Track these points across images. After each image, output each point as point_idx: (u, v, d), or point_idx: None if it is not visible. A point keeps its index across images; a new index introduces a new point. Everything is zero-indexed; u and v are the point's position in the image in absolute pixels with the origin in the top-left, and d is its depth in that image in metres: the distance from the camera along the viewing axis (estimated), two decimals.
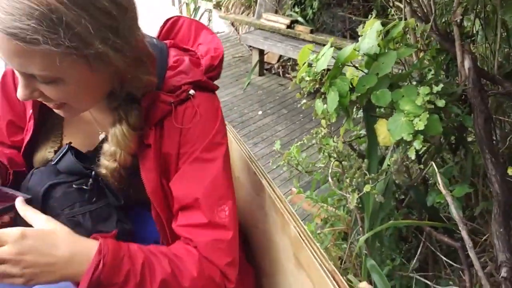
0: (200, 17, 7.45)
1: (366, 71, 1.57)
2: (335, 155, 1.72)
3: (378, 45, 1.51)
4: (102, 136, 0.97)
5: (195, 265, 0.84)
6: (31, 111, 1.00)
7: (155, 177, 0.89)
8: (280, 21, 5.13)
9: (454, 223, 1.43)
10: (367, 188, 1.41)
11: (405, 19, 1.80)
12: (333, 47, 1.51)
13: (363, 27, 2.87)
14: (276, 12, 5.63)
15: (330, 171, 1.64)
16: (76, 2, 0.66)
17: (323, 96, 1.58)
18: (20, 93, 0.77)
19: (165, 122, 0.90)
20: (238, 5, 6.85)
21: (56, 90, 0.76)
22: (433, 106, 1.37)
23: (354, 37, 4.80)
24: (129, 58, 0.78)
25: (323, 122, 1.65)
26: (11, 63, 0.72)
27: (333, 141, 1.62)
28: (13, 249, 0.66)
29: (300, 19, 5.19)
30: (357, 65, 1.64)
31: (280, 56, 5.40)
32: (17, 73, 0.76)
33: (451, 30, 1.66)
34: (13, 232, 0.68)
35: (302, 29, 4.97)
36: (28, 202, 0.83)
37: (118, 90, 0.86)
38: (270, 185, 1.06)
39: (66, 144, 0.93)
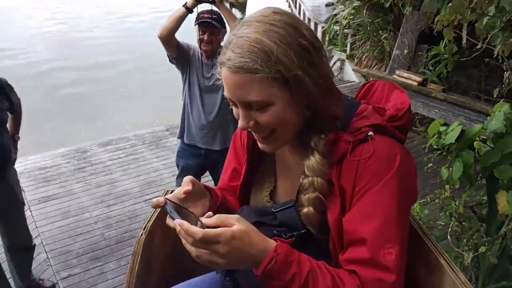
0: (332, 66, 7.84)
1: (492, 145, 1.77)
2: (456, 216, 1.91)
3: (505, 125, 1.71)
4: (300, 181, 1.02)
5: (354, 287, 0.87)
6: (245, 157, 1.15)
7: (337, 210, 0.94)
8: (413, 78, 5.30)
9: None
10: (482, 249, 1.59)
11: None
12: (461, 125, 1.72)
13: (499, 91, 2.99)
14: (409, 68, 5.80)
15: (450, 229, 1.84)
16: (284, 41, 0.87)
17: (447, 163, 1.80)
18: (240, 123, 0.94)
19: (344, 160, 0.95)
20: (371, 57, 7.12)
21: (267, 115, 0.91)
22: None
23: (488, 99, 4.78)
24: (319, 85, 0.92)
25: (446, 186, 1.86)
26: (235, 95, 0.91)
27: (455, 204, 1.82)
28: (225, 247, 0.81)
29: (433, 77, 5.31)
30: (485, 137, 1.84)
31: None
32: (236, 110, 0.95)
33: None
34: (225, 233, 0.81)
35: (434, 87, 5.09)
36: None
37: (310, 120, 0.96)
38: (451, 267, 0.98)
39: (292, 200, 1.02)
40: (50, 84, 9.86)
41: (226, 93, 0.93)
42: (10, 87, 2.79)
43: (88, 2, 21.03)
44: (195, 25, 2.92)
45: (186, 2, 2.85)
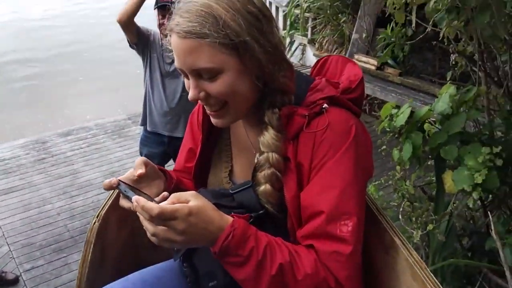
0: (294, 51, 7.90)
1: (439, 127, 1.86)
2: (407, 196, 2.01)
3: (451, 107, 1.80)
4: (256, 160, 1.01)
5: (311, 264, 0.87)
6: (200, 136, 1.14)
7: (293, 187, 0.93)
8: (371, 62, 5.42)
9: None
10: (429, 227, 1.69)
11: (480, 82, 2.07)
12: (410, 108, 1.81)
13: (451, 74, 3.11)
14: (368, 53, 5.92)
15: (401, 209, 1.94)
16: (233, 7, 0.87)
17: (399, 145, 1.89)
18: (191, 94, 0.93)
19: (300, 135, 0.95)
20: (331, 42, 7.22)
21: (217, 84, 0.90)
22: (492, 164, 1.63)
23: (442, 83, 4.94)
24: (270, 55, 0.91)
25: (397, 167, 1.95)
26: (184, 63, 0.90)
27: (406, 185, 1.92)
28: (182, 224, 0.79)
29: (390, 61, 5.44)
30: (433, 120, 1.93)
31: (367, 95, 5.68)
32: (188, 81, 0.94)
33: None
34: (182, 209, 0.79)
35: (391, 71, 5.23)
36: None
37: (263, 94, 0.96)
38: (405, 246, 0.99)
39: (249, 180, 1.01)
40: (6, 76, 9.52)
41: (176, 63, 0.92)
42: None
43: None
44: (154, 9, 2.92)
45: None
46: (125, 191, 0.90)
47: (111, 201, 1.17)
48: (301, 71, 1.12)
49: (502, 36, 1.67)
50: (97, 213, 1.15)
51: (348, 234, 0.89)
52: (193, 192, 0.86)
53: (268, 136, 0.95)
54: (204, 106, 0.98)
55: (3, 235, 3.67)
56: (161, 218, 0.78)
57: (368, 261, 1.05)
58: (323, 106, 0.95)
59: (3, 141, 5.38)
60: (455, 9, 1.85)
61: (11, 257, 3.47)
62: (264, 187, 0.95)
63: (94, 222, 1.13)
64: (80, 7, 16.06)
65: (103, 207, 1.16)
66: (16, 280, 3.25)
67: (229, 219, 0.86)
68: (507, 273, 1.52)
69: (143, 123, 3.23)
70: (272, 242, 0.88)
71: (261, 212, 0.97)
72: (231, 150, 1.14)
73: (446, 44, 2.07)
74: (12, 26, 13.67)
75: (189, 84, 0.93)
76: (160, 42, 2.99)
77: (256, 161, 0.99)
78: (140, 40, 2.99)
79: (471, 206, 1.67)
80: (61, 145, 5.14)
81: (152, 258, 1.22)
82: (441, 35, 1.92)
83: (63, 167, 4.68)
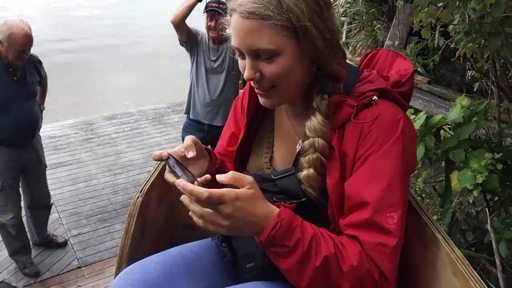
0: None
1: (452, 133, 2.14)
2: (419, 191, 2.28)
3: (463, 116, 2.07)
4: (298, 147, 1.01)
5: (356, 256, 0.86)
6: (245, 120, 1.13)
7: (336, 175, 0.93)
8: None
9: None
10: (434, 218, 1.97)
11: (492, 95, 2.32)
12: (426, 114, 2.09)
13: (479, 85, 3.34)
14: None
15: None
16: None
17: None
18: (246, 74, 0.92)
19: (346, 125, 0.93)
20: (364, 46, 7.44)
21: (274, 66, 0.89)
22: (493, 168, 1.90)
23: (471, 91, 5.12)
24: (327, 41, 0.91)
25: None
26: (244, 43, 0.89)
27: (417, 181, 2.20)
28: (229, 208, 0.78)
29: (420, 69, 5.64)
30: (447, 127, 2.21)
31: None
32: (242, 61, 0.93)
33: None
34: (229, 194, 0.78)
35: (420, 79, 5.43)
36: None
37: (314, 79, 0.96)
38: (447, 242, 0.97)
39: (293, 167, 1.01)
40: (49, 61, 9.99)
41: (234, 43, 0.92)
42: (40, 63, 3.13)
43: None
44: (203, 12, 3.26)
45: None
46: (173, 166, 0.91)
47: (153, 178, 1.19)
48: None
49: (509, 59, 1.93)
50: (140, 188, 1.16)
51: (394, 226, 0.87)
52: (251, 178, 0.85)
53: (316, 121, 0.94)
54: (255, 86, 0.97)
55: (54, 204, 4.09)
56: (208, 202, 0.78)
57: (406, 256, 1.02)
58: (373, 98, 0.93)
59: (47, 121, 5.83)
60: (473, 31, 2.12)
61: (60, 223, 3.89)
62: (307, 171, 0.95)
63: (138, 197, 1.14)
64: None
65: (146, 183, 1.18)
66: (65, 243, 3.66)
67: (276, 209, 0.85)
68: (497, 261, 1.78)
69: (187, 112, 3.59)
70: (318, 234, 0.87)
71: (303, 199, 0.96)
72: (273, 137, 1.14)
73: (461, 61, 2.33)
74: (59, 15, 14.27)
75: (244, 64, 0.93)
76: (207, 42, 3.34)
77: (298, 147, 1.00)
78: (189, 39, 3.35)
79: (471, 202, 1.93)
80: (106, 127, 5.58)
81: (188, 238, 1.24)
82: (457, 54, 2.19)
83: (108, 147, 5.11)
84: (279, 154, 1.12)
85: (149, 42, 11.24)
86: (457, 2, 2.03)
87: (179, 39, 3.39)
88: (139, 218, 1.14)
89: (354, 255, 0.86)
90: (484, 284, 0.88)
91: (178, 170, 0.90)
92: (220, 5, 3.21)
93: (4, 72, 2.83)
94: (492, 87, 2.30)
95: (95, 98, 7.92)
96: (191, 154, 0.98)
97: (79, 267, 3.45)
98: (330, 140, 0.94)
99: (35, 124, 3.11)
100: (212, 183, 0.88)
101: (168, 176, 0.94)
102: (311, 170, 0.95)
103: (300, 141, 1.00)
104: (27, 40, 2.77)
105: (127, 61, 10.00)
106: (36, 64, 3.08)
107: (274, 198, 0.95)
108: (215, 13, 3.20)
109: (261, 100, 1.00)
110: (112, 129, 5.54)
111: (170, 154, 0.94)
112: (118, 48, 11.01)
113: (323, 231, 0.89)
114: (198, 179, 0.92)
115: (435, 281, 1.01)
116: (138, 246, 1.18)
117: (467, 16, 2.06)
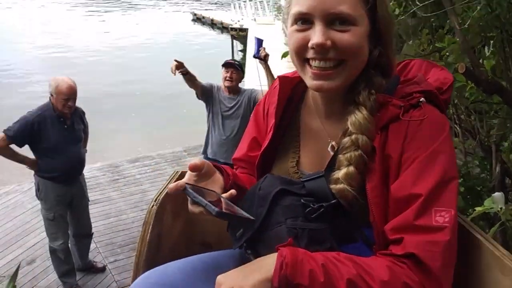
0: None
1: None
2: None
3: None
4: (330, 149, 0.99)
5: (385, 270, 0.79)
6: (273, 121, 1.07)
7: (376, 178, 0.88)
8: None
9: None
10: None
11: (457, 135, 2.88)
12: None
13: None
14: None
15: None
16: None
17: None
18: (317, 39, 0.86)
19: (390, 126, 0.89)
20: None
21: (348, 36, 0.86)
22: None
23: None
24: (390, 29, 0.93)
25: None
26: (323, 4, 0.85)
27: None
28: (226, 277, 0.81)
29: None
30: None
31: None
32: (303, 35, 0.89)
33: (491, 145, 2.57)
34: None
35: None
36: (248, 223, 0.89)
37: (362, 72, 0.93)
38: (490, 242, 0.92)
39: (322, 171, 0.95)
40: None
41: (303, 7, 0.88)
42: (83, 113, 3.83)
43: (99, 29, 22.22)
44: (221, 66, 3.99)
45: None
46: (194, 197, 0.86)
47: (166, 190, 1.18)
48: None
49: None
50: (155, 198, 1.17)
51: (446, 224, 0.81)
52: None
53: (361, 116, 0.90)
54: (320, 62, 0.89)
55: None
56: None
57: None
58: (420, 100, 0.90)
59: None
60: None
61: (98, 252, 4.46)
62: (347, 169, 0.89)
63: (152, 205, 1.16)
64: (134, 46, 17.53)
65: (160, 193, 1.18)
66: (103, 268, 4.23)
67: (275, 254, 0.81)
68: None
69: (204, 151, 4.23)
70: (330, 259, 0.81)
71: (333, 201, 0.90)
72: (299, 140, 1.09)
73: None
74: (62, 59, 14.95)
75: (304, 36, 0.89)
76: (223, 92, 4.02)
77: (330, 149, 0.99)
78: (203, 94, 4.05)
79: None
80: (130, 169, 6.24)
81: (208, 251, 1.21)
82: None
83: (133, 186, 5.75)
84: (307, 158, 1.07)
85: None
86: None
87: (196, 94, 4.08)
88: (154, 227, 1.16)
89: (383, 270, 0.80)
90: None
91: (200, 200, 0.84)
92: (236, 62, 3.96)
93: (57, 121, 3.51)
94: (457, 127, 2.85)
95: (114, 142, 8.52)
96: (193, 162, 0.93)
97: None
98: (373, 138, 0.90)
99: (81, 164, 3.77)
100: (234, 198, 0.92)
101: (193, 208, 0.90)
102: (352, 168, 0.89)
103: (332, 143, 0.99)
104: (71, 90, 3.46)
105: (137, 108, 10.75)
106: (81, 115, 3.78)
107: (302, 200, 0.92)
108: (230, 66, 3.92)
109: (317, 83, 0.91)
110: (136, 170, 6.20)
111: (186, 183, 0.90)
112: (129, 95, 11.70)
113: (335, 254, 0.83)
114: (223, 195, 0.91)
115: (481, 284, 0.94)
116: (155, 257, 1.16)
117: None
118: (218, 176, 0.99)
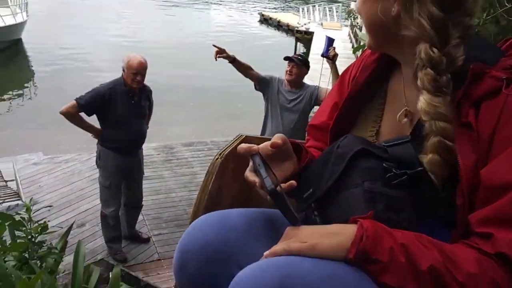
0: None
1: None
2: None
3: None
4: (403, 118, 0.90)
5: (473, 262, 0.71)
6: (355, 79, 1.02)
7: (471, 155, 0.77)
8: None
9: None
10: None
11: None
12: None
13: None
14: None
15: None
16: None
17: None
18: None
19: (483, 102, 0.78)
20: None
21: None
22: None
23: None
24: None
25: None
26: None
27: None
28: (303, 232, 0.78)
29: None
30: None
31: None
32: None
33: None
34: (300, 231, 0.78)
35: None
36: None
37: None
38: None
39: (408, 135, 0.87)
40: None
41: None
42: (151, 92, 4.00)
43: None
44: (284, 59, 4.05)
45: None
46: (258, 165, 0.84)
47: (229, 149, 1.19)
48: None
49: None
50: (221, 151, 1.19)
51: None
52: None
53: (423, 101, 0.79)
54: None
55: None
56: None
57: None
58: None
59: None
60: None
61: (144, 224, 4.64)
62: (431, 156, 0.80)
63: (217, 158, 1.17)
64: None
65: (226, 148, 1.19)
66: (148, 240, 4.40)
67: (355, 225, 0.74)
68: None
69: None
70: (413, 240, 0.73)
71: (419, 169, 0.81)
72: (383, 110, 1.00)
73: None
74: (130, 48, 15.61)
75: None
76: (284, 85, 4.07)
77: (403, 118, 0.91)
78: (261, 85, 4.11)
79: None
80: (184, 152, 6.43)
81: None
82: None
83: (185, 168, 5.93)
84: (387, 129, 0.98)
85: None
86: None
87: (254, 85, 4.16)
88: (217, 179, 1.15)
89: (470, 262, 0.71)
90: None
91: (262, 171, 0.82)
92: (299, 57, 4.01)
93: (126, 96, 3.68)
94: None
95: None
96: (274, 141, 0.90)
97: (159, 259, 4.14)
98: (449, 119, 0.78)
99: (142, 138, 3.95)
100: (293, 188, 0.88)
101: (249, 175, 0.89)
102: (436, 156, 0.79)
103: (405, 109, 0.91)
104: (141, 66, 3.62)
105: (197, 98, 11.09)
106: (148, 93, 3.94)
107: (384, 164, 0.82)
108: (290, 60, 3.97)
109: None
110: (189, 154, 6.37)
111: (259, 152, 0.87)
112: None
113: (420, 237, 0.75)
114: (283, 185, 0.86)
115: None
116: (214, 207, 1.11)
117: None
118: (288, 165, 0.96)
